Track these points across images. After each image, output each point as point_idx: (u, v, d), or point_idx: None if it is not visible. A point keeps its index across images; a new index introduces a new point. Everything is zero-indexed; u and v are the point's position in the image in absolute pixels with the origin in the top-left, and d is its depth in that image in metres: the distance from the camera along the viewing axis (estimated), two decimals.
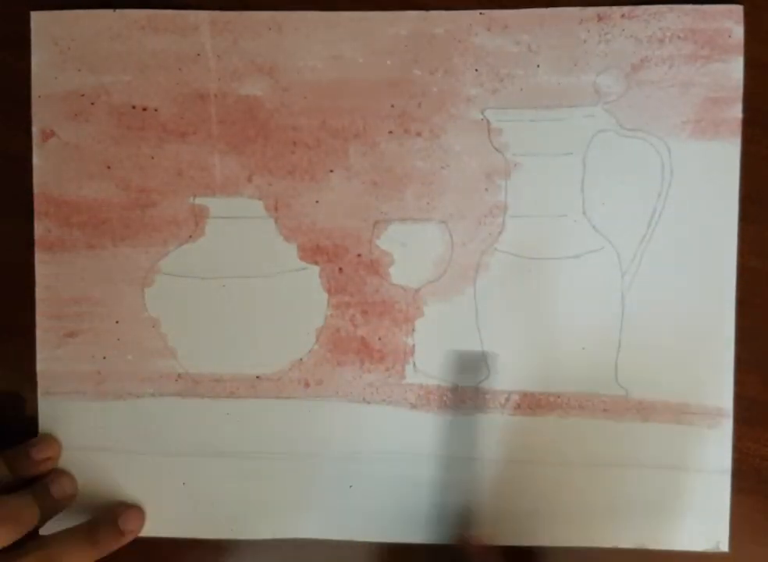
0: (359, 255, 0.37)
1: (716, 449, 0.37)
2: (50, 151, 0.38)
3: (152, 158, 0.37)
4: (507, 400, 0.37)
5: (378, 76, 0.37)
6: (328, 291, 0.38)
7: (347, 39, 0.37)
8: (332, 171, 0.37)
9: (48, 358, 0.38)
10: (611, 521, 0.37)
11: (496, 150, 0.37)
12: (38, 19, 0.37)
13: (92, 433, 0.38)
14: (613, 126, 0.37)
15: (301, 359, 0.38)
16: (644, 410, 0.37)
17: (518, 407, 0.37)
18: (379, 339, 0.37)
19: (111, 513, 0.36)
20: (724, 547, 0.37)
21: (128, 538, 0.36)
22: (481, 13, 0.37)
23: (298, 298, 0.38)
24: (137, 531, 0.37)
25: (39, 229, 0.38)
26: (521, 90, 0.37)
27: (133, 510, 0.37)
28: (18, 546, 0.32)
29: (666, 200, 0.37)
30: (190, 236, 0.38)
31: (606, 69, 0.37)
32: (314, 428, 0.38)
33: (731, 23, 0.36)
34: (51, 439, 0.37)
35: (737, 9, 0.36)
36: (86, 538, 0.34)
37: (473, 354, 0.37)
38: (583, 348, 0.37)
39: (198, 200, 0.38)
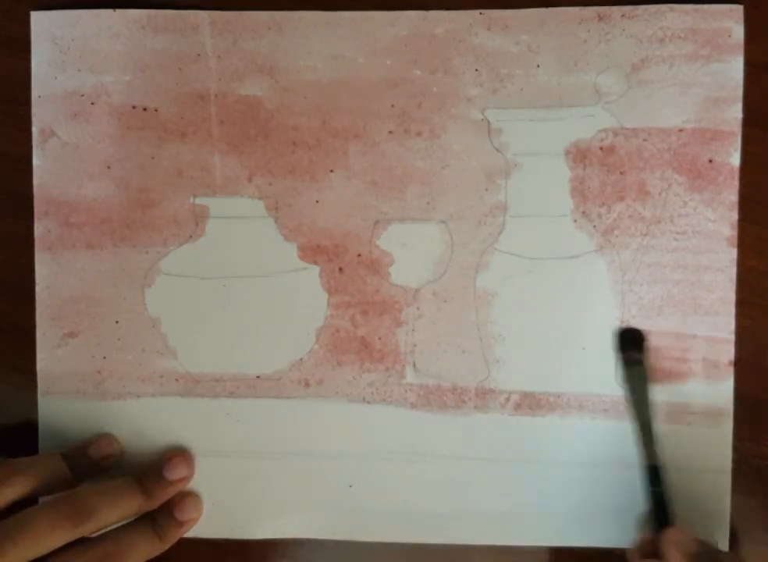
0: (359, 255, 0.37)
1: (716, 449, 0.37)
2: (50, 151, 0.38)
3: (152, 158, 0.37)
4: (507, 400, 0.37)
5: (378, 76, 0.37)
6: (328, 291, 0.38)
7: (347, 39, 0.37)
8: (332, 171, 0.37)
9: (47, 358, 0.38)
10: (611, 521, 0.37)
11: (496, 150, 0.37)
12: (38, 19, 0.37)
13: (92, 433, 0.38)
14: (614, 125, 0.37)
15: (301, 359, 0.38)
16: None
17: (518, 406, 0.37)
18: (379, 339, 0.37)
19: (167, 504, 0.36)
20: (724, 547, 0.37)
21: (188, 527, 0.36)
22: (481, 13, 0.37)
23: (298, 298, 0.38)
24: (196, 518, 0.37)
25: (39, 229, 0.38)
26: (521, 90, 0.37)
27: (189, 498, 0.37)
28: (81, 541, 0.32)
29: (666, 199, 0.37)
30: (190, 236, 0.38)
31: (607, 68, 0.37)
32: (314, 428, 0.38)
33: (731, 23, 0.36)
34: (109, 437, 0.37)
35: (737, 9, 0.36)
36: (151, 530, 0.34)
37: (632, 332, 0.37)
38: (583, 348, 0.37)
39: (198, 200, 0.38)
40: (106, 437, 0.37)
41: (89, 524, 0.32)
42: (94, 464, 0.36)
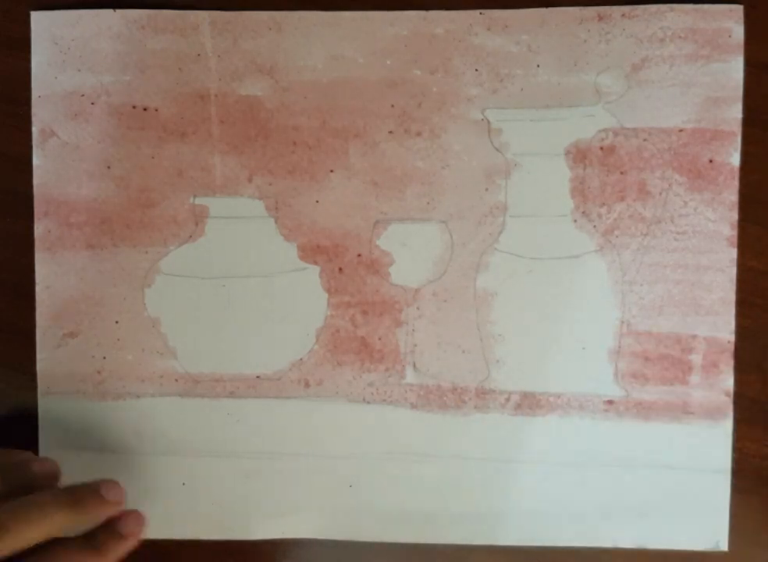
0: (359, 255, 0.37)
1: (716, 449, 0.37)
2: (50, 151, 0.38)
3: (152, 158, 0.37)
4: (507, 400, 0.37)
5: (378, 76, 0.37)
6: (328, 291, 0.38)
7: (347, 39, 0.37)
8: (332, 171, 0.37)
9: (47, 358, 0.38)
10: (611, 520, 0.37)
11: (496, 150, 0.37)
12: (38, 19, 0.37)
13: (92, 433, 0.38)
14: (614, 125, 0.37)
15: (301, 359, 0.38)
16: (644, 411, 0.37)
17: (518, 407, 0.37)
18: (379, 339, 0.37)
19: (108, 520, 0.33)
20: (723, 546, 0.37)
21: (131, 542, 0.33)
22: (481, 13, 0.37)
23: (298, 298, 0.38)
24: (139, 534, 0.34)
25: (39, 229, 0.38)
26: (521, 90, 0.37)
27: (132, 513, 0.34)
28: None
29: (667, 199, 0.37)
30: (190, 236, 0.38)
31: (607, 68, 0.36)
32: (314, 428, 0.38)
33: (731, 23, 0.36)
34: (51, 461, 0.34)
35: (737, 9, 0.36)
36: (86, 543, 0.32)
37: None
38: (583, 348, 0.37)
39: (198, 200, 0.38)
40: (49, 460, 0.34)
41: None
42: (30, 481, 0.33)
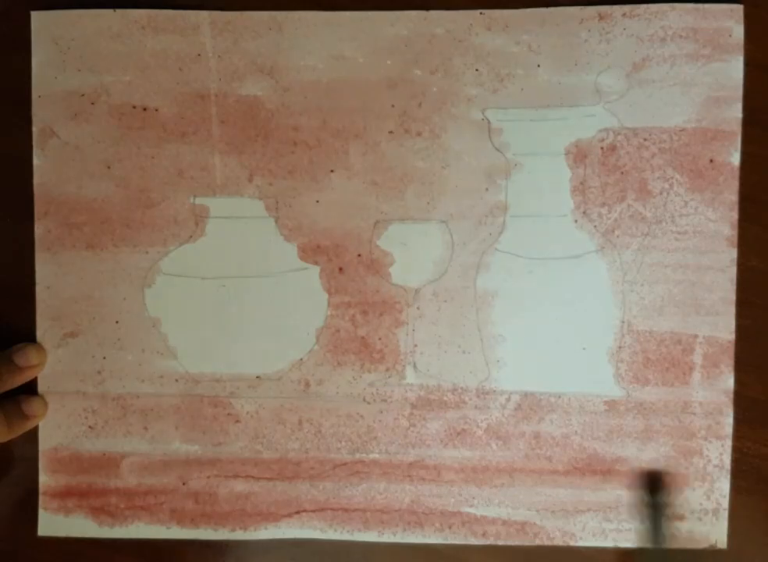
0: (359, 255, 0.37)
1: (716, 449, 0.37)
2: (50, 151, 0.38)
3: (152, 158, 0.37)
4: (508, 400, 0.37)
5: (379, 76, 0.37)
6: (328, 291, 0.38)
7: (347, 39, 0.37)
8: (332, 171, 0.37)
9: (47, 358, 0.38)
10: (611, 520, 0.37)
11: (497, 150, 0.37)
12: (38, 19, 0.37)
13: (92, 433, 0.38)
14: (615, 125, 0.37)
15: (301, 359, 0.38)
16: (644, 411, 0.37)
17: (519, 407, 0.37)
18: (379, 339, 0.37)
19: (17, 400, 0.37)
20: (722, 545, 0.37)
21: (33, 422, 0.37)
22: (481, 13, 0.37)
23: (298, 298, 0.38)
24: (41, 416, 0.37)
25: (39, 229, 0.38)
26: (522, 89, 0.37)
27: (36, 397, 0.38)
28: None
29: (667, 199, 0.37)
30: (190, 236, 0.38)
31: (607, 68, 0.36)
32: (314, 428, 0.38)
33: (732, 23, 0.36)
34: (36, 347, 0.38)
35: (738, 9, 0.36)
36: (2, 416, 0.36)
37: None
38: (583, 348, 0.37)
39: (198, 200, 0.38)
40: (29, 346, 0.37)
41: None
42: (18, 373, 0.37)
